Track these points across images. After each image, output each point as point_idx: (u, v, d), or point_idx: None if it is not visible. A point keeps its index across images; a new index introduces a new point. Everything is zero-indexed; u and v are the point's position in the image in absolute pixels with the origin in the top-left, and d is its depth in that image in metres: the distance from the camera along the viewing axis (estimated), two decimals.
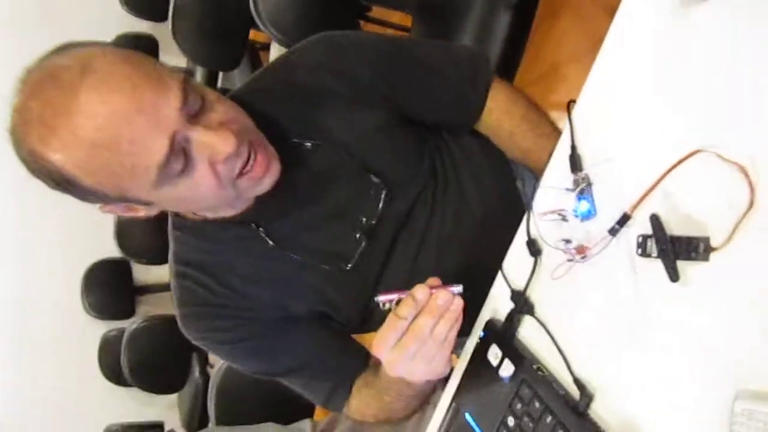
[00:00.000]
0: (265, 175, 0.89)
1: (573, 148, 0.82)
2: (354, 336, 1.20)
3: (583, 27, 2.07)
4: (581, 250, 0.77)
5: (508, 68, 1.64)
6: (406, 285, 1.08)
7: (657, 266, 0.68)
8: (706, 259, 0.66)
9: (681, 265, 0.66)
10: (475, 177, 1.16)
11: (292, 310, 1.09)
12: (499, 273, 0.92)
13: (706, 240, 0.66)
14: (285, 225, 1.03)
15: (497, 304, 0.94)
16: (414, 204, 1.10)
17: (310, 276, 1.06)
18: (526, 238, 0.88)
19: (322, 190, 1.04)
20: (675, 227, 0.68)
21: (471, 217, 1.13)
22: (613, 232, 0.74)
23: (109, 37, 2.97)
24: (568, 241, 0.80)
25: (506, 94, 1.12)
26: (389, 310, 0.82)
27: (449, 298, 0.81)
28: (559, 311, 0.84)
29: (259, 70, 1.12)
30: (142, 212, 0.91)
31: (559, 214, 0.81)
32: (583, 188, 0.79)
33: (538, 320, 0.85)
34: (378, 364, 1.06)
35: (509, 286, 0.90)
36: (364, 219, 1.06)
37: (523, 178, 1.21)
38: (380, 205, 1.06)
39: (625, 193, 0.75)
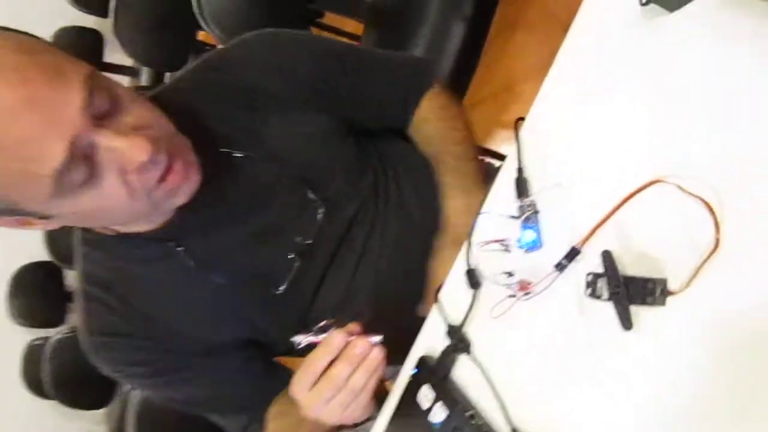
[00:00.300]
0: (181, 185, 0.77)
1: (520, 170, 0.73)
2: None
3: (540, 42, 2.01)
4: (524, 286, 0.68)
5: (460, 82, 1.56)
6: (341, 306, 0.98)
7: (607, 309, 0.60)
8: (662, 303, 0.58)
9: (634, 309, 0.58)
10: (418, 193, 1.06)
11: (214, 340, 0.97)
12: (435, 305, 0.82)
13: (663, 283, 0.58)
14: (209, 244, 0.91)
15: (433, 337, 0.84)
16: (353, 221, 1.00)
17: (236, 301, 0.94)
18: (466, 268, 0.78)
19: (252, 205, 0.93)
20: (629, 266, 0.60)
21: (413, 235, 1.04)
22: (560, 267, 0.65)
23: (53, 29, 2.80)
24: (510, 274, 0.71)
25: (440, 102, 1.03)
26: (310, 347, 0.76)
27: (367, 348, 0.75)
28: (498, 351, 0.74)
29: (189, 66, 0.99)
30: (38, 226, 0.78)
31: (502, 244, 0.72)
32: (528, 216, 0.70)
33: (475, 361, 0.75)
34: None
35: (445, 320, 0.80)
36: (298, 238, 0.95)
37: None
38: (317, 224, 0.95)
39: (575, 224, 0.66)
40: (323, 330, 0.77)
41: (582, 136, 0.69)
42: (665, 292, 0.57)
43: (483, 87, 2.07)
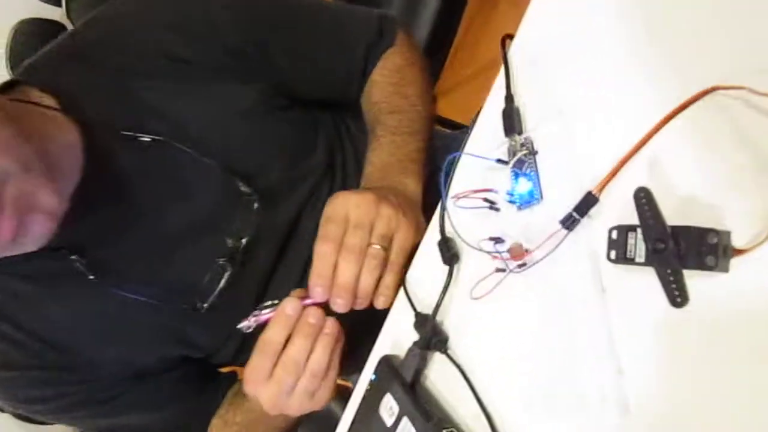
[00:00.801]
0: (14, 238, 0.58)
1: (509, 99, 0.52)
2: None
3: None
4: (518, 254, 0.47)
5: (437, 50, 1.36)
6: None
7: (643, 280, 0.39)
8: (725, 268, 0.37)
9: (687, 276, 0.37)
10: None
11: (137, 363, 0.78)
12: (401, 289, 0.62)
13: (727, 237, 0.37)
14: (112, 251, 0.71)
15: (398, 332, 0.63)
16: (301, 211, 0.80)
17: (157, 319, 0.75)
18: (439, 237, 0.58)
19: (166, 201, 0.72)
20: (671, 217, 0.39)
21: None
22: (569, 223, 0.45)
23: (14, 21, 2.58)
24: (498, 240, 0.50)
25: (395, 63, 0.83)
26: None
27: (321, 317, 0.61)
28: (483, 347, 0.54)
29: (72, 29, 0.79)
30: None
31: (486, 200, 0.52)
32: (522, 159, 0.50)
33: (452, 360, 0.55)
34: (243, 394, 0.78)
35: (413, 307, 0.60)
36: (229, 240, 0.75)
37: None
38: (252, 221, 0.75)
39: (586, 166, 0.46)
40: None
41: (590, 49, 0.49)
42: (729, 251, 0.37)
43: (464, 68, 1.89)
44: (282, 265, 0.81)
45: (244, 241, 0.75)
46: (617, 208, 0.44)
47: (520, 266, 0.49)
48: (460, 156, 0.55)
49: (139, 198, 0.70)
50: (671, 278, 0.36)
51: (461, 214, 0.56)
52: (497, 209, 0.51)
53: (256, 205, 0.75)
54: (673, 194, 0.41)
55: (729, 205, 0.39)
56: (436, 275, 0.58)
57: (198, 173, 0.72)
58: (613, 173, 0.44)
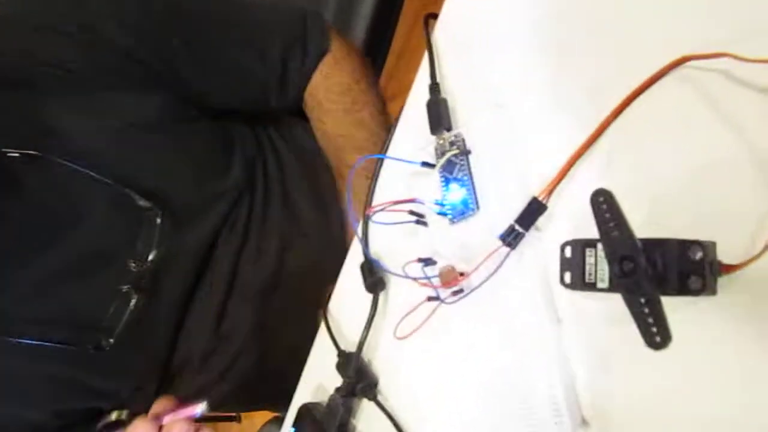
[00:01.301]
0: None
1: (434, 89, 0.42)
2: None
3: None
4: (450, 279, 0.37)
5: (375, 55, 1.26)
6: (213, 350, 0.71)
7: (609, 310, 0.30)
8: (712, 290, 0.28)
9: (667, 306, 0.28)
10: (312, 186, 0.76)
11: (37, 420, 0.66)
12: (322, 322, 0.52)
13: (712, 249, 0.28)
14: None
15: (321, 373, 0.53)
16: (216, 235, 0.69)
17: (47, 365, 0.63)
18: (362, 259, 0.48)
19: (52, 226, 0.61)
20: (641, 227, 0.30)
21: (304, 244, 0.73)
22: (510, 239, 0.35)
23: None
24: (429, 262, 0.40)
25: (337, 79, 0.72)
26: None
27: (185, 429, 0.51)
28: (418, 390, 0.44)
29: None
30: None
31: (412, 213, 0.42)
32: (452, 161, 0.40)
33: (382, 407, 0.44)
34: None
35: (335, 344, 0.49)
36: (132, 263, 0.63)
37: None
38: (156, 240, 0.63)
39: (530, 167, 0.36)
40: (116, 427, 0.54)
41: (531, 26, 0.39)
42: (716, 268, 0.28)
43: (410, 72, 1.79)
44: (198, 298, 0.69)
45: (149, 262, 0.63)
46: (571, 218, 0.34)
47: (455, 293, 0.39)
48: (380, 163, 0.44)
49: (16, 226, 0.58)
50: (646, 309, 0.26)
51: (388, 232, 0.46)
52: (425, 223, 0.41)
53: (159, 220, 0.63)
54: (641, 197, 0.32)
55: (711, 208, 0.30)
56: (363, 304, 0.48)
57: (88, 191, 0.61)
58: (563, 173, 0.34)
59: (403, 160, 0.41)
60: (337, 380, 0.48)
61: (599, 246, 0.30)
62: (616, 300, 0.28)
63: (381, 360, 0.47)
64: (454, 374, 0.41)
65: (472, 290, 0.37)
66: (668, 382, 0.30)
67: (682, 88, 0.31)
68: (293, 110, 0.75)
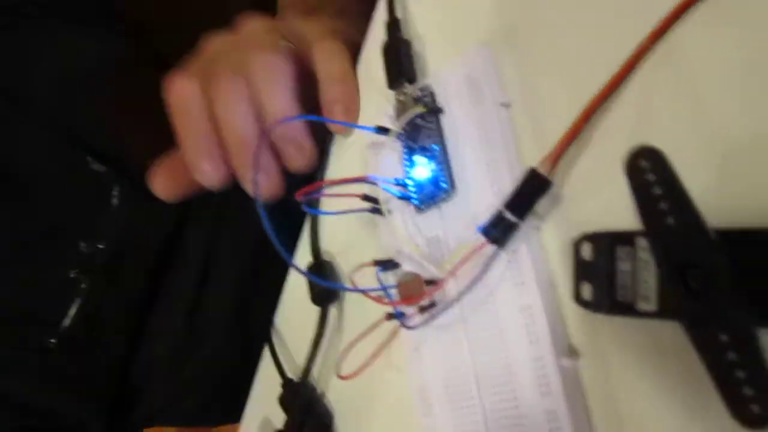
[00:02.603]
0: None
1: (393, 26, 0.30)
2: None
3: None
4: (412, 293, 0.25)
5: None
6: (180, 351, 0.58)
7: (657, 344, 0.18)
8: None
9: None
10: None
11: None
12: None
13: None
14: None
15: (268, 404, 0.41)
16: (186, 212, 0.58)
17: None
18: (310, 260, 0.36)
19: None
20: (712, 213, 0.17)
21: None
22: (497, 232, 0.23)
23: None
24: (389, 265, 0.28)
25: None
26: None
27: None
28: (376, 425, 0.32)
29: None
30: None
31: (366, 198, 0.30)
32: (417, 124, 0.28)
33: None
34: None
35: (280, 371, 0.37)
36: (83, 243, 0.52)
37: None
38: (114, 214, 0.52)
39: (526, 127, 0.25)
40: None
41: None
42: None
43: None
44: (164, 290, 0.57)
45: (104, 241, 0.52)
46: (589, 200, 0.22)
47: (423, 310, 0.27)
48: (332, 136, 0.32)
49: None
50: (731, 356, 0.15)
51: (345, 224, 0.34)
52: (380, 212, 0.29)
53: (116, 191, 0.52)
54: (700, 165, 0.19)
55: None
56: (310, 317, 0.36)
57: (31, 152, 0.50)
58: (575, 133, 0.22)
59: (347, 124, 0.29)
60: (280, 418, 0.36)
61: (640, 242, 0.18)
62: (672, 330, 0.17)
63: (336, 392, 0.35)
64: (430, 418, 0.29)
65: (444, 308, 0.25)
66: None
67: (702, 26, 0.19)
68: None
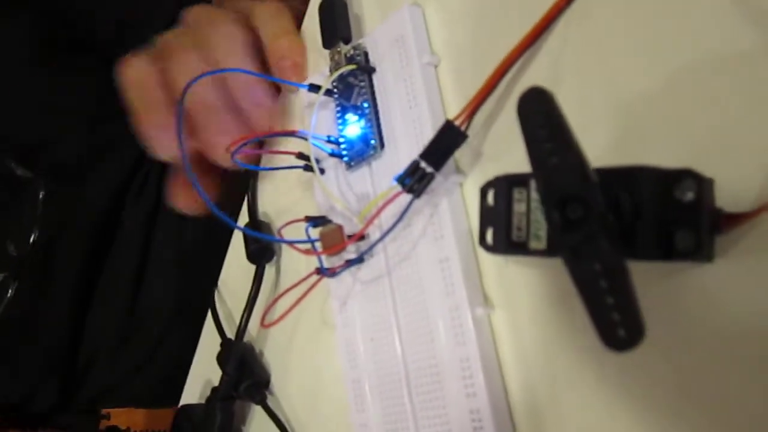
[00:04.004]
0: None
1: None
2: None
3: None
4: (333, 243, 0.26)
5: None
6: (124, 334, 0.57)
7: (549, 281, 0.18)
8: (709, 254, 0.16)
9: (639, 277, 0.16)
10: None
11: None
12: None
13: (709, 187, 0.16)
14: None
15: (209, 363, 0.41)
16: (122, 195, 0.56)
17: None
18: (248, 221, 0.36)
19: None
20: (599, 154, 0.18)
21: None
22: (413, 182, 0.23)
23: None
24: (317, 221, 0.29)
25: None
26: None
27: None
28: (315, 390, 0.33)
29: None
30: None
31: (301, 156, 0.30)
32: (350, 83, 0.28)
33: (271, 413, 0.33)
34: None
35: (219, 330, 0.38)
36: (11, 246, 0.51)
37: None
38: (38, 215, 0.51)
39: (451, 86, 0.25)
40: None
41: None
42: (714, 218, 0.16)
43: None
44: (103, 280, 0.56)
45: (32, 244, 0.51)
46: (506, 153, 0.23)
47: (348, 262, 0.27)
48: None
49: None
50: (603, 284, 0.15)
51: (281, 181, 0.35)
52: (311, 169, 0.29)
53: (42, 194, 0.51)
54: (601, 116, 0.20)
55: (709, 133, 0.18)
56: (248, 276, 0.36)
57: None
58: (491, 85, 0.22)
59: (277, 80, 0.29)
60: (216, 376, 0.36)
61: (533, 183, 0.18)
62: (561, 269, 0.17)
63: (273, 351, 0.36)
64: (356, 370, 0.30)
65: (359, 258, 0.26)
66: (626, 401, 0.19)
67: None
68: None
